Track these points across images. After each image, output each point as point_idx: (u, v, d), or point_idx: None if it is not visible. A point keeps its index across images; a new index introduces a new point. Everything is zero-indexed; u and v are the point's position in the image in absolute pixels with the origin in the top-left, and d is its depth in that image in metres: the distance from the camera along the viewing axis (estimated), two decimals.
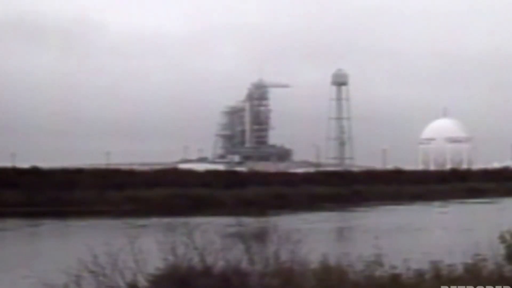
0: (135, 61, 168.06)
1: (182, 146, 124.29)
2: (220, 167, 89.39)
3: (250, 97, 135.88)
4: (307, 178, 65.38)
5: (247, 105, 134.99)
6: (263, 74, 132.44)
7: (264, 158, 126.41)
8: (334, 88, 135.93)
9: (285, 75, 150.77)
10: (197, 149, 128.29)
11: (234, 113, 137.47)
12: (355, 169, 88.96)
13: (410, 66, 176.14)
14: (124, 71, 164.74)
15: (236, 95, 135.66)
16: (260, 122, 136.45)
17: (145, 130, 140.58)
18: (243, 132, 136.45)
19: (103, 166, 78.05)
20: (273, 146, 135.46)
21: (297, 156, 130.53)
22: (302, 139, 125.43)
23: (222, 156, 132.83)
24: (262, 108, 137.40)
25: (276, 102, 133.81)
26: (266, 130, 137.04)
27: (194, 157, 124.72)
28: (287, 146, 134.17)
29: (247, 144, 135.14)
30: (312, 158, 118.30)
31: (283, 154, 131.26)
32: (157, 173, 61.04)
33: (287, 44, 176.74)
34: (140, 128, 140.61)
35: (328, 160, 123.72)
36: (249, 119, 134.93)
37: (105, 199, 50.15)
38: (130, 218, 38.63)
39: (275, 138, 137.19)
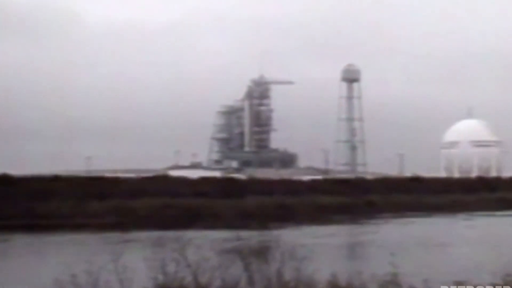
0: (116, 54, 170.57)
1: (173, 151, 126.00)
2: (216, 174, 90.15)
3: (249, 95, 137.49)
4: (313, 187, 65.75)
5: (246, 104, 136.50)
6: (264, 69, 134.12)
7: (266, 164, 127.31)
8: (344, 85, 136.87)
9: (289, 71, 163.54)
10: (190, 154, 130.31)
11: (231, 114, 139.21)
12: (368, 176, 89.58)
13: (429, 61, 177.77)
14: (105, 66, 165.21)
15: (234, 93, 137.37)
16: (261, 123, 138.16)
17: (130, 132, 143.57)
18: (241, 134, 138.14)
19: (83, 173, 79.13)
20: (275, 151, 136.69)
21: (302, 162, 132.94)
22: (308, 143, 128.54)
23: (218, 162, 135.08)
24: (263, 108, 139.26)
25: (278, 101, 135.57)
26: (267, 132, 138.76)
27: (186, 162, 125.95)
28: (291, 150, 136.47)
29: (246, 148, 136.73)
30: (319, 164, 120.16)
31: (287, 160, 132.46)
32: (144, 181, 61.36)
33: (291, 36, 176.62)
34: (124, 130, 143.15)
35: (338, 167, 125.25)
36: (249, 120, 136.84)
37: (85, 210, 49.85)
38: (114, 232, 38.68)
39: (277, 141, 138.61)
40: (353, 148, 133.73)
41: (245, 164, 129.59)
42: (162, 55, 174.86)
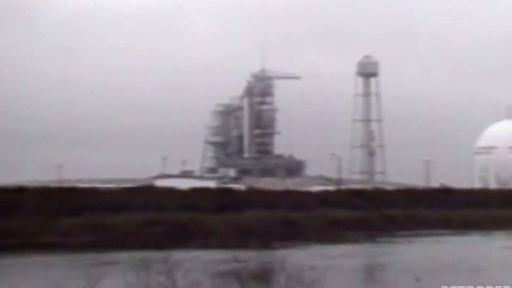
0: (94, 43, 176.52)
1: (160, 157, 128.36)
2: (210, 184, 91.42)
3: (249, 92, 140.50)
4: (324, 199, 66.08)
5: (245, 103, 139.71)
6: (267, 62, 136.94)
7: (268, 172, 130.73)
8: (360, 80, 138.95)
9: (296, 64, 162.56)
10: (179, 160, 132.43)
11: (228, 114, 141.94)
12: (387, 187, 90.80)
13: (459, 53, 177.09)
14: (77, 56, 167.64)
15: (231, 90, 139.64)
16: (263, 125, 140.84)
17: (108, 135, 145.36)
18: (240, 138, 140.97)
19: (54, 184, 78.99)
20: (279, 157, 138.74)
21: (311, 170, 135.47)
22: (318, 148, 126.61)
23: (212, 170, 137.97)
24: (265, 107, 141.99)
25: (283, 98, 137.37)
26: (270, 135, 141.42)
27: (175, 171, 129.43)
28: (298, 156, 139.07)
29: (246, 154, 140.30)
30: (330, 173, 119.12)
31: (293, 168, 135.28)
32: (126, 193, 61.38)
33: (298, 23, 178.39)
34: (101, 133, 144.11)
35: (352, 176, 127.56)
36: (248, 121, 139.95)
37: (56, 227, 49.35)
38: (90, 252, 38.66)
39: (282, 146, 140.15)
40: (370, 154, 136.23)
41: (244, 172, 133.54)
42: (147, 44, 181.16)
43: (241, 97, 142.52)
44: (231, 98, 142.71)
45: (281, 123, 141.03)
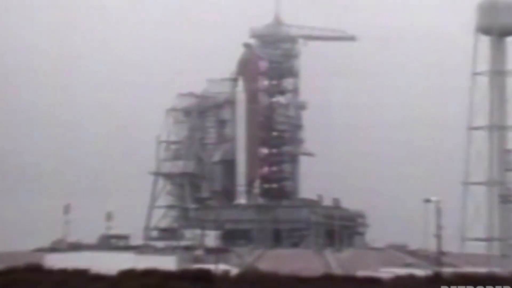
0: None
1: (62, 205, 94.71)
2: (165, 262, 64.08)
3: (249, 69, 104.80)
4: None
5: (240, 91, 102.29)
6: (282, 10, 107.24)
7: (287, 237, 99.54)
8: (485, 41, 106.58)
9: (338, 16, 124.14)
10: (100, 213, 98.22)
11: (203, 113, 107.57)
12: None
13: None
14: None
15: (214, 63, 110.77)
16: (277, 137, 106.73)
17: None
18: (228, 164, 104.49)
19: None
20: (310, 205, 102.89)
21: (374, 232, 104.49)
22: (384, 184, 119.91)
23: (170, 234, 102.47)
24: (281, 101, 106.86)
25: (319, 82, 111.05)
26: (292, 158, 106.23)
27: (91, 236, 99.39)
28: (347, 202, 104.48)
29: (240, 200, 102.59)
30: (414, 238, 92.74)
31: (340, 228, 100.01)
32: None
33: None
34: None
35: (464, 246, 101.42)
36: (247, 130, 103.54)
37: None
38: None
39: (313, 180, 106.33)
40: (504, 199, 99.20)
41: (237, 237, 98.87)
42: None
43: (233, 80, 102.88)
44: (211, 82, 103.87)
45: (312, 134, 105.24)
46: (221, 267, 61.68)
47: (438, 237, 78.01)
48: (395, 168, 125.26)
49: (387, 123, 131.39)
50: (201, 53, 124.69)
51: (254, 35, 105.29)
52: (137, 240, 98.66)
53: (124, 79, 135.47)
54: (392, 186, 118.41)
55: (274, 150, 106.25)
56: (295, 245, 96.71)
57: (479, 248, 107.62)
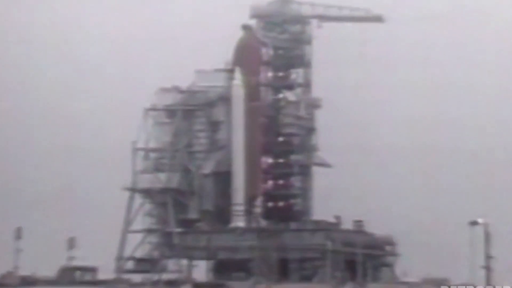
0: None
1: (13, 229, 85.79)
2: None
3: (248, 58, 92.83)
4: None
5: (236, 85, 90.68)
6: None
7: (297, 269, 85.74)
8: None
9: None
10: (61, 239, 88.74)
11: (189, 114, 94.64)
12: None
13: None
14: None
15: (203, 52, 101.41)
16: (283, 144, 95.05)
17: None
18: (220, 177, 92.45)
19: None
20: (325, 229, 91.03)
21: (407, 263, 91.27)
22: (417, 198, 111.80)
23: (149, 263, 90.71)
24: (289, 96, 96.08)
25: (336, 69, 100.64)
26: (303, 170, 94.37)
27: (49, 269, 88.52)
28: (375, 227, 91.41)
29: (238, 223, 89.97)
30: (454, 269, 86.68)
31: (364, 258, 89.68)
32: None
33: None
34: None
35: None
36: (246, 134, 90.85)
37: None
38: None
39: (330, 193, 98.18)
40: None
41: (232, 268, 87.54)
42: None
43: (228, 71, 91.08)
44: (200, 73, 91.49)
45: (327, 139, 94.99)
46: None
47: (488, 269, 73.91)
48: (433, 182, 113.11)
49: (422, 124, 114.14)
50: (188, 37, 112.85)
51: (256, 15, 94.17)
52: (107, 273, 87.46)
53: (90, 73, 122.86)
54: (428, 204, 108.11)
55: (280, 160, 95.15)
56: (306, 279, 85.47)
57: None
